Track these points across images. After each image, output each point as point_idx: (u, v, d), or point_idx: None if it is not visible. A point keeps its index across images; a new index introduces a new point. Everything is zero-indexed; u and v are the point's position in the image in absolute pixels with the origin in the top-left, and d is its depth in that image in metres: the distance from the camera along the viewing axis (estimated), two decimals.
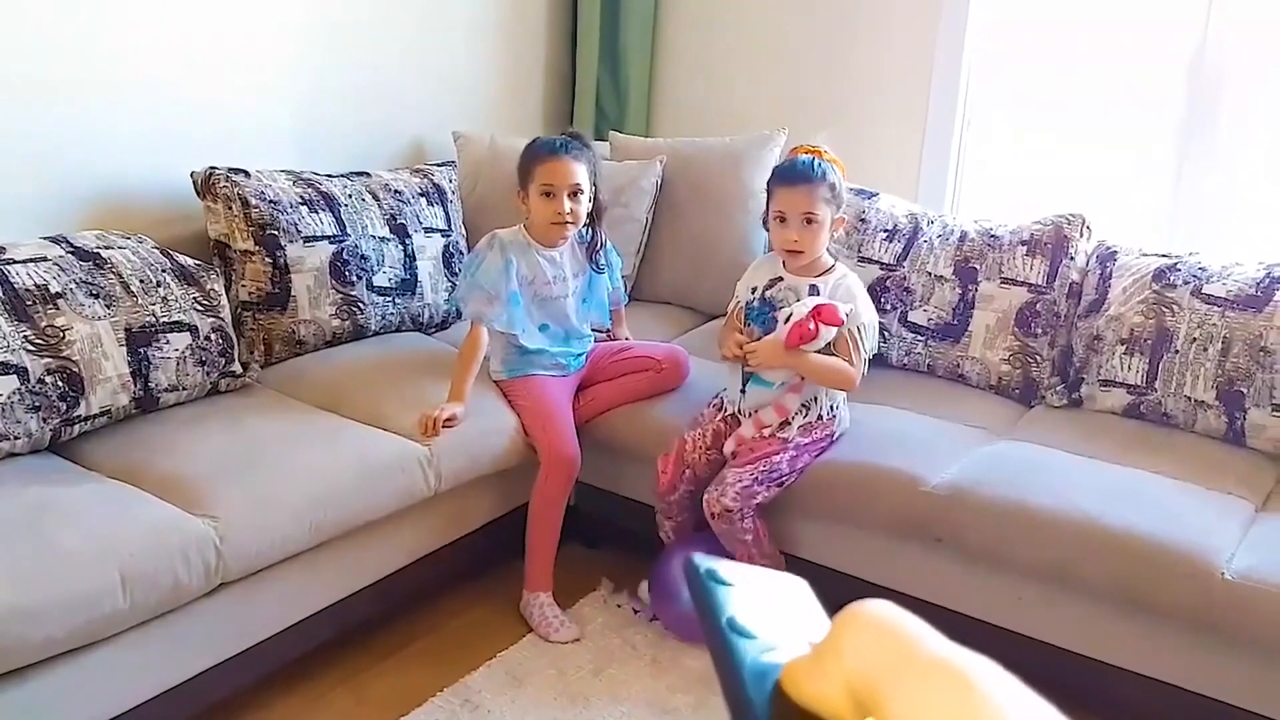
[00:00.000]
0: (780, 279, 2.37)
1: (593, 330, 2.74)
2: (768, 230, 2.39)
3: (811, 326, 2.21)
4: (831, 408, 2.37)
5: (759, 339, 2.32)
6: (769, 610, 0.51)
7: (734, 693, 0.48)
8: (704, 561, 0.52)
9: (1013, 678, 0.42)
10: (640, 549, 2.58)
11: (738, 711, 0.47)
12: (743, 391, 2.39)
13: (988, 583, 2.21)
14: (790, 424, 2.33)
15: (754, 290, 2.40)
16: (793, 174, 2.31)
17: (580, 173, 2.51)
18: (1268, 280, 2.39)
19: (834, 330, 2.23)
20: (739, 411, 2.41)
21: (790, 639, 0.50)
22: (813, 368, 2.28)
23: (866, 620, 0.46)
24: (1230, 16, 2.81)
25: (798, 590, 0.55)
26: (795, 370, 2.30)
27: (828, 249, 2.37)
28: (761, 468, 2.28)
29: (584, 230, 2.63)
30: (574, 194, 2.51)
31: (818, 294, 2.31)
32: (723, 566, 0.52)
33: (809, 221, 2.28)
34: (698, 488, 2.43)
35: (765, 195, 2.39)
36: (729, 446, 2.36)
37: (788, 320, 2.26)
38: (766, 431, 2.33)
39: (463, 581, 2.63)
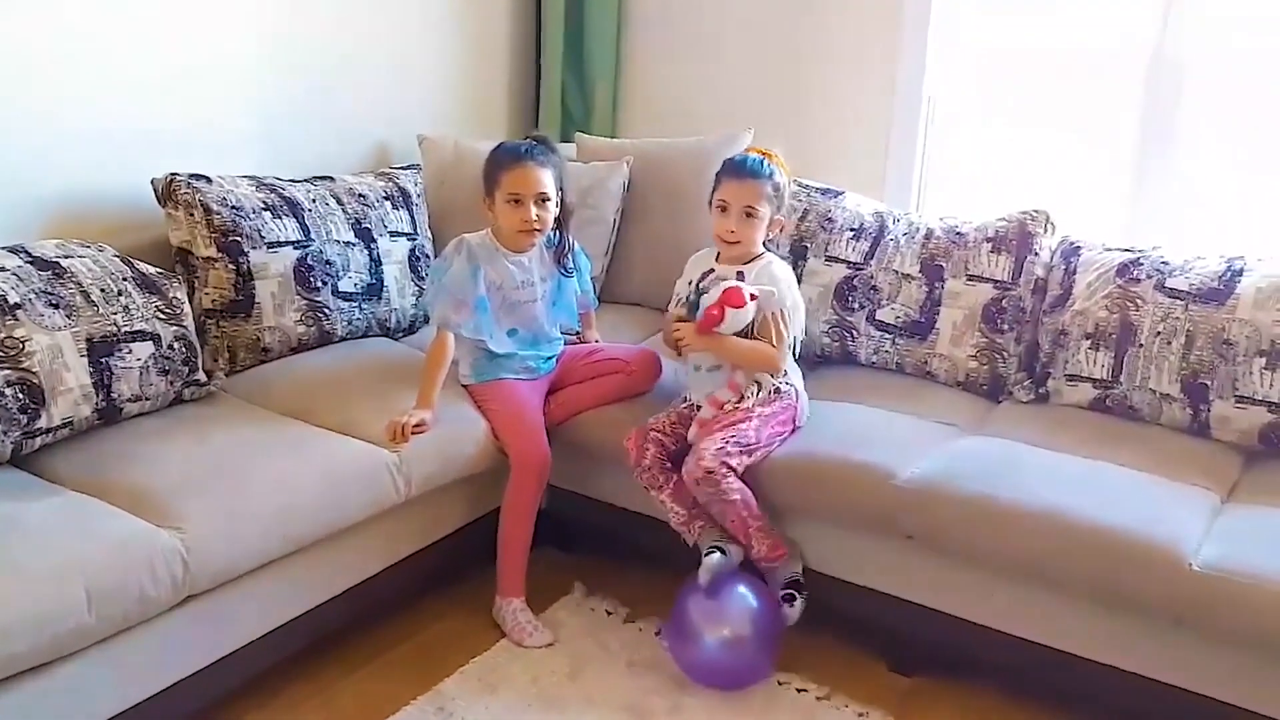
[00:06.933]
0: (712, 270, 2.45)
1: (563, 333, 2.73)
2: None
3: (716, 311, 2.28)
4: (786, 383, 2.42)
5: None
6: None
7: None
8: None
9: None
10: (613, 552, 2.57)
11: None
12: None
13: (960, 578, 2.22)
14: (746, 398, 2.38)
15: (690, 283, 2.47)
16: (741, 168, 2.41)
17: (546, 179, 2.50)
18: (1229, 274, 2.41)
19: (744, 312, 2.29)
20: (694, 402, 2.46)
21: None
22: (731, 349, 2.35)
23: None
24: (1189, 10, 2.85)
25: None
26: (715, 354, 2.38)
27: (765, 244, 2.45)
28: (731, 434, 2.30)
29: (552, 234, 2.62)
30: (541, 201, 2.50)
31: (743, 279, 2.37)
32: None
33: (749, 214, 2.38)
34: (666, 454, 2.42)
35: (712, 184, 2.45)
36: (693, 433, 2.38)
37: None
38: (727, 408, 2.37)
39: (435, 588, 2.61)
